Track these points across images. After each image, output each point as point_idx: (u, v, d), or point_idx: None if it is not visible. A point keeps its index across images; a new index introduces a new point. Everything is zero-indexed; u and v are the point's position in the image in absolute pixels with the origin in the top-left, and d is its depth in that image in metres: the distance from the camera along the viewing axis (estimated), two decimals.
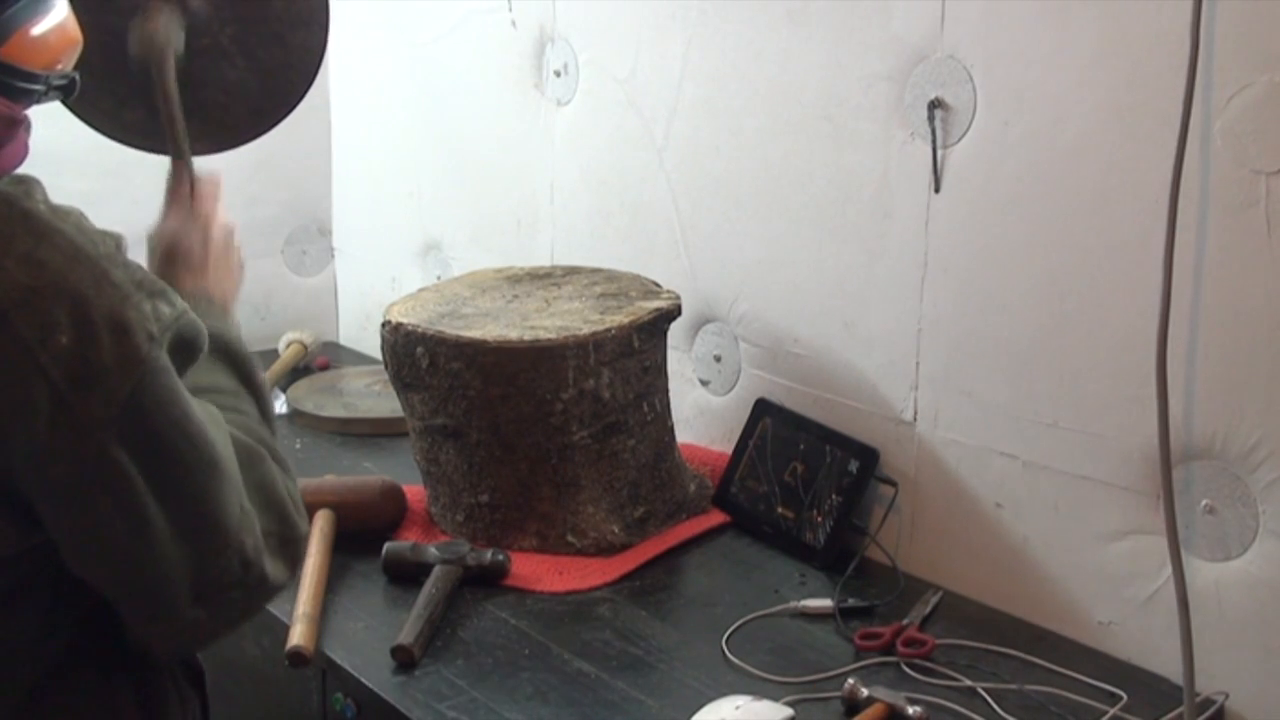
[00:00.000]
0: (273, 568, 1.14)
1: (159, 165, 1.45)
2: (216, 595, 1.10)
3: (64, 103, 1.26)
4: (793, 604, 1.62)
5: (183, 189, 1.42)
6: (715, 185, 1.95)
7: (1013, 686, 1.45)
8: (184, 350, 1.09)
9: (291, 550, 1.18)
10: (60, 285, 1.00)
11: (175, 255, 1.35)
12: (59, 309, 1.00)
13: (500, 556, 1.68)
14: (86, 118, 1.51)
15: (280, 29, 1.45)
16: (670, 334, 1.85)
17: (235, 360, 1.24)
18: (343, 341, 2.80)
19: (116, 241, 1.08)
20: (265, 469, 1.17)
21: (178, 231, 1.37)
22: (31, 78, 1.09)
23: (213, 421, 1.12)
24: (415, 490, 1.86)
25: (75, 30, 1.13)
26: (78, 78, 1.15)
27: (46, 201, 1.05)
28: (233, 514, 1.10)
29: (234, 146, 1.58)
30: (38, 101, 1.11)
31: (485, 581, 1.67)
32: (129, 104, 1.48)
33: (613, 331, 1.72)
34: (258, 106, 1.52)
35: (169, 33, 1.44)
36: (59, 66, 1.11)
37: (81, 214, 1.07)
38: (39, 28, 1.08)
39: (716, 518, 1.87)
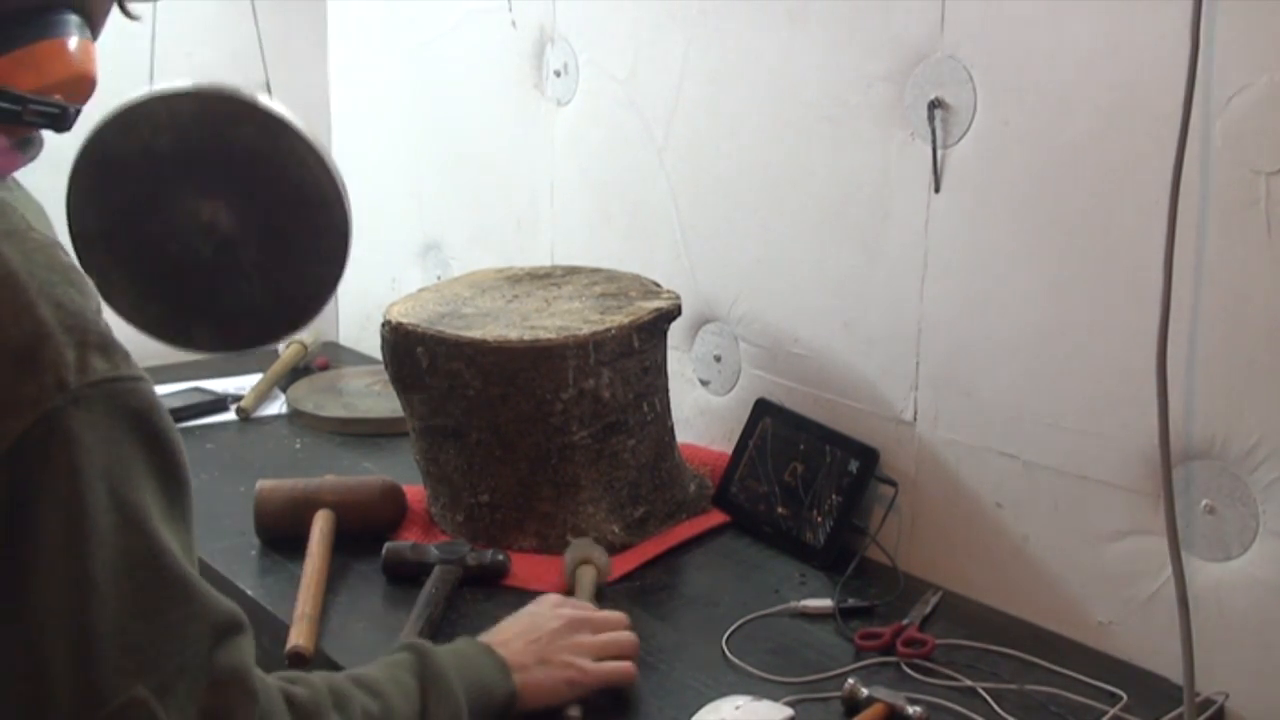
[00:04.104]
0: None
1: None
2: None
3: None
4: (793, 604, 1.62)
5: (587, 608, 1.48)
6: (715, 185, 1.95)
7: (1013, 686, 1.45)
8: (129, 428, 0.95)
9: None
10: None
11: (523, 616, 1.42)
12: None
13: (500, 556, 1.68)
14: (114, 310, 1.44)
15: (301, 262, 1.43)
16: (670, 334, 1.85)
17: (431, 686, 1.21)
18: (343, 341, 2.80)
19: (73, 280, 0.98)
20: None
21: (549, 608, 1.44)
22: (9, 97, 1.02)
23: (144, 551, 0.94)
24: (415, 490, 1.86)
25: (82, 63, 1.06)
26: (70, 109, 1.06)
27: (10, 225, 0.98)
28: (105, 657, 0.91)
29: (231, 351, 1.56)
30: (18, 122, 1.04)
31: (485, 581, 1.67)
32: (151, 298, 1.40)
33: (613, 331, 1.72)
34: (263, 326, 1.49)
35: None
36: (56, 96, 1.04)
37: (51, 245, 1.00)
38: (35, 50, 1.02)
39: (716, 518, 1.87)
